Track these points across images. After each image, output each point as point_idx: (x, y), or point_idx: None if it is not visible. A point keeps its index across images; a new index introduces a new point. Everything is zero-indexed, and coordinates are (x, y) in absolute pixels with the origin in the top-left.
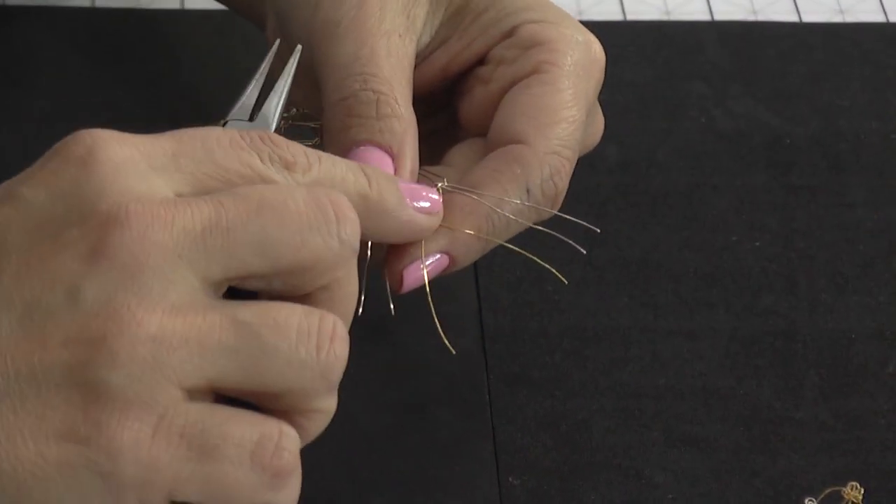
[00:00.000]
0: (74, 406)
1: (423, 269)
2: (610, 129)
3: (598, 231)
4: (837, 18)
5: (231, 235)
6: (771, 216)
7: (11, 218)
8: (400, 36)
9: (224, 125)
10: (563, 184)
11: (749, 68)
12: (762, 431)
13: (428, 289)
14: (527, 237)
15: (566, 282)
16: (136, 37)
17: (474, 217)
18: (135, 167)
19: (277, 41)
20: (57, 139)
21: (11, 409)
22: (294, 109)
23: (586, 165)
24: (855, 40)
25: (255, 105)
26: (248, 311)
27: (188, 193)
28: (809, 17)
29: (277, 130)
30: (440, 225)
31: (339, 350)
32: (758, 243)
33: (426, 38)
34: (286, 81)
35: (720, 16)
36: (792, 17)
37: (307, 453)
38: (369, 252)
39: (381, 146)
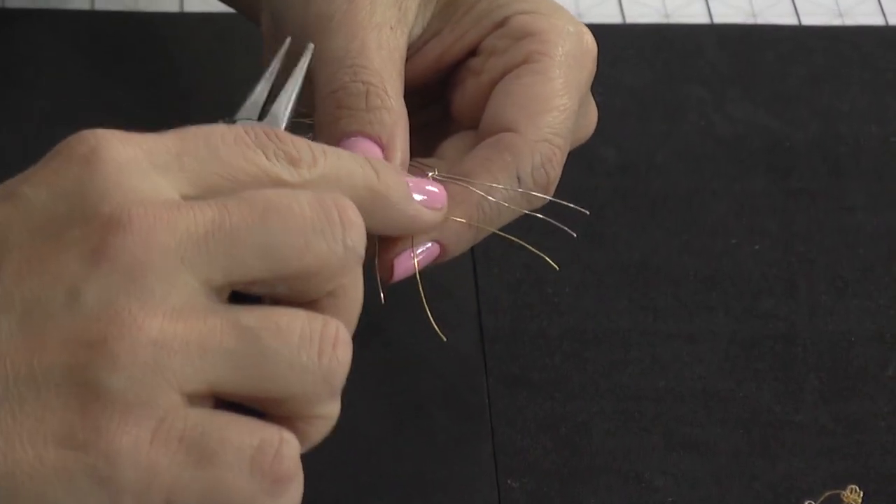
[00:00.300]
0: (73, 409)
1: (414, 259)
2: (609, 132)
3: (587, 213)
4: (837, 21)
5: (234, 239)
6: (770, 220)
7: (13, 217)
8: (391, 28)
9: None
10: (555, 172)
11: (748, 71)
12: (762, 435)
13: (419, 278)
14: (524, 236)
15: (557, 267)
16: (136, 39)
17: (465, 205)
18: (138, 167)
19: (288, 39)
20: (57, 140)
21: (10, 412)
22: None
23: (585, 168)
24: (854, 43)
25: (264, 104)
26: (251, 315)
27: (192, 193)
28: (809, 20)
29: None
30: None
31: (341, 355)
32: (757, 247)
33: (418, 30)
34: (297, 80)
35: (719, 19)
36: (791, 21)
37: (304, 456)
38: (377, 247)
39: (370, 137)
